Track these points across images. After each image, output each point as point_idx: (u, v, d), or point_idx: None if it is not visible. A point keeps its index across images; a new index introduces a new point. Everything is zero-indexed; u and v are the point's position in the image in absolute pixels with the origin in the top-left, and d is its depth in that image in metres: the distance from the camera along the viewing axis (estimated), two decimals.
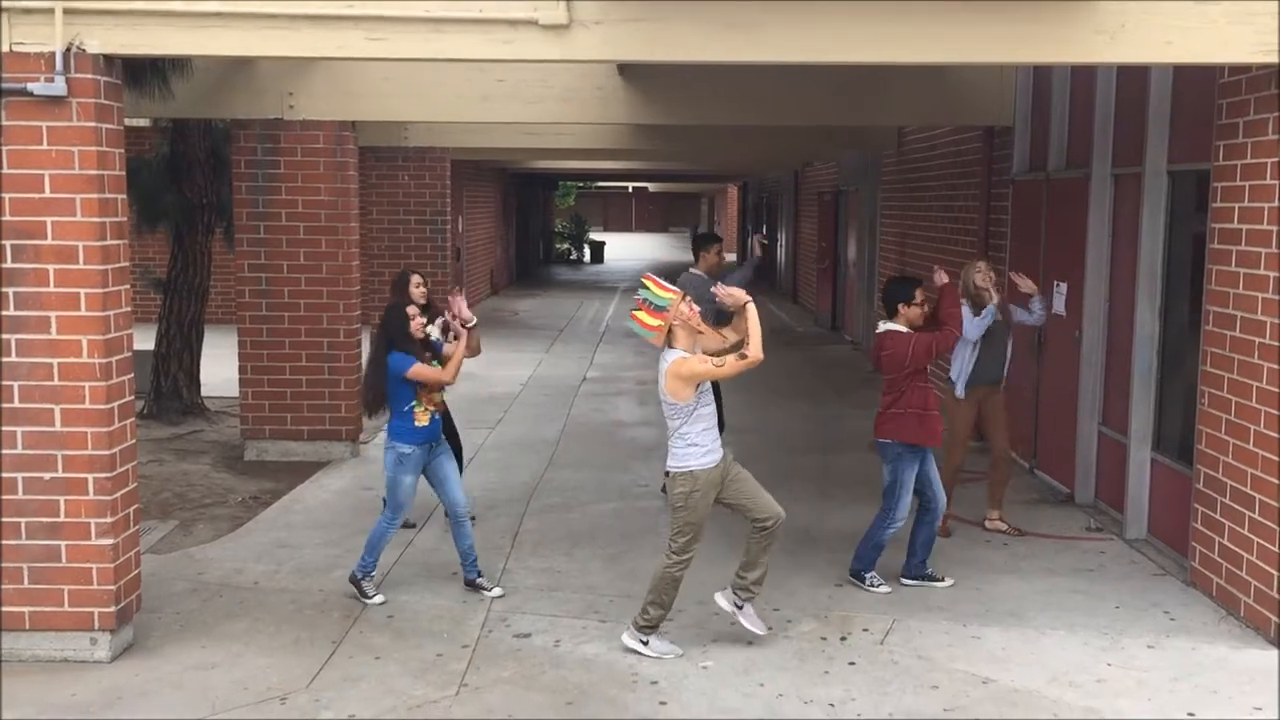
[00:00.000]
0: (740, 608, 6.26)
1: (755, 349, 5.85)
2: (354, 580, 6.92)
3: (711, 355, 5.97)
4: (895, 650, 6.21)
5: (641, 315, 5.94)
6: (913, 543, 7.20)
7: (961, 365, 8.02)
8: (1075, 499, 9.13)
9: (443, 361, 6.96)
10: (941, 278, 7.22)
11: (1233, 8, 5.79)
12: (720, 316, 7.05)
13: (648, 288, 5.95)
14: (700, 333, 6.01)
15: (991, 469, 8.44)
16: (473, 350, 7.09)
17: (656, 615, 6.10)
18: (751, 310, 5.95)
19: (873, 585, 7.07)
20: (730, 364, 5.87)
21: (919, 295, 7.05)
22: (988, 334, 7.92)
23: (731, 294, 6.07)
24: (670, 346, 5.95)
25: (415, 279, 7.92)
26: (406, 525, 7.98)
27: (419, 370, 6.71)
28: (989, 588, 7.17)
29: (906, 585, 7.15)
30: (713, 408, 6.04)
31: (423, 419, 6.78)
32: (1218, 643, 6.33)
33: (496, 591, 6.96)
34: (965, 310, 7.60)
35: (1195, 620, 6.64)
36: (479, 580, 7.01)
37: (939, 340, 6.93)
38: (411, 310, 6.83)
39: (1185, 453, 7.50)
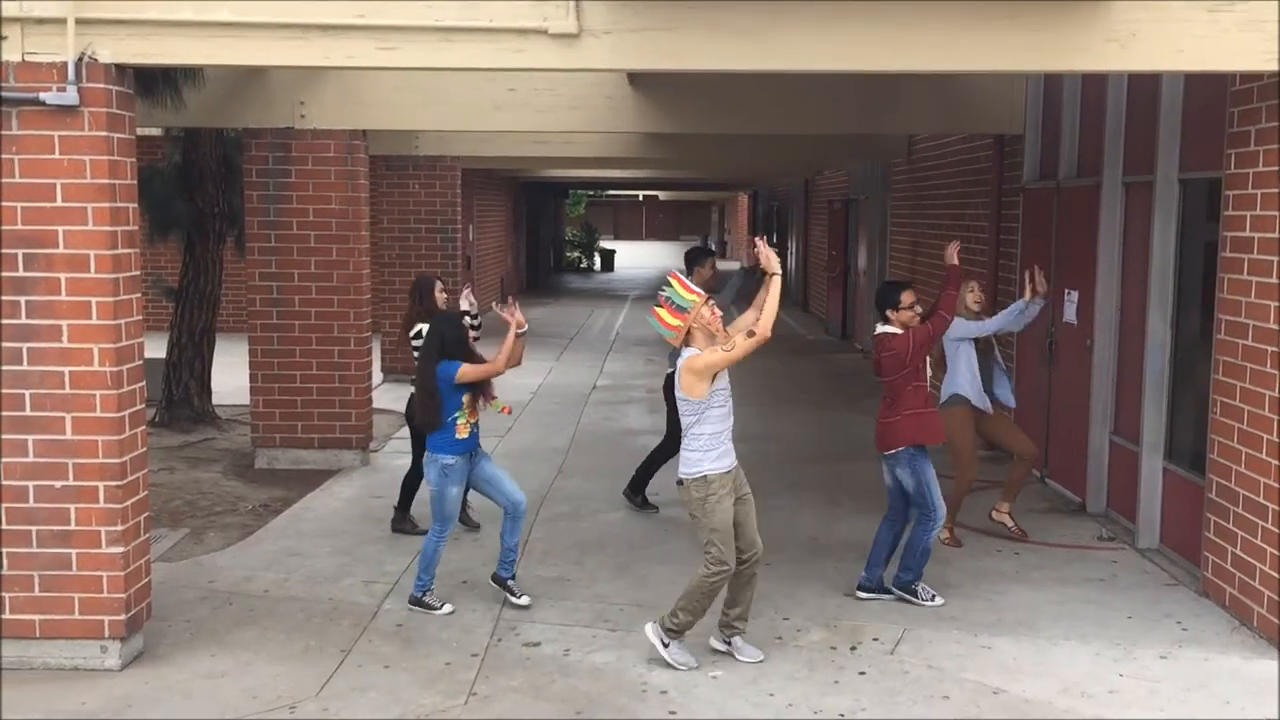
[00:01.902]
0: (729, 643, 6.20)
1: (765, 326, 5.77)
2: (416, 600, 6.82)
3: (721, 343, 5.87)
4: (906, 660, 6.19)
5: (662, 313, 5.92)
6: (876, 549, 7.12)
7: (971, 380, 8.02)
8: (1087, 508, 9.09)
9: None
10: (951, 257, 7.15)
11: (1244, 16, 5.79)
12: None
13: (672, 286, 5.92)
14: (716, 337, 5.95)
15: (1013, 466, 8.44)
16: (514, 360, 6.83)
17: (685, 621, 6.03)
18: (777, 284, 5.89)
19: (926, 598, 6.94)
20: (740, 345, 5.78)
21: (905, 299, 7.00)
22: (979, 356, 8.05)
23: (769, 258, 5.95)
24: (687, 346, 5.94)
25: (439, 285, 8.12)
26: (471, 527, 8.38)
27: (467, 370, 6.62)
28: (1000, 598, 7.15)
29: (862, 598, 7.05)
30: (726, 408, 5.97)
31: (463, 431, 6.73)
32: (1230, 653, 6.29)
33: (525, 600, 6.85)
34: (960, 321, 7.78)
35: (1208, 631, 6.61)
36: (510, 582, 6.88)
37: (934, 324, 6.88)
38: (466, 321, 6.84)
39: (1197, 462, 7.47)
